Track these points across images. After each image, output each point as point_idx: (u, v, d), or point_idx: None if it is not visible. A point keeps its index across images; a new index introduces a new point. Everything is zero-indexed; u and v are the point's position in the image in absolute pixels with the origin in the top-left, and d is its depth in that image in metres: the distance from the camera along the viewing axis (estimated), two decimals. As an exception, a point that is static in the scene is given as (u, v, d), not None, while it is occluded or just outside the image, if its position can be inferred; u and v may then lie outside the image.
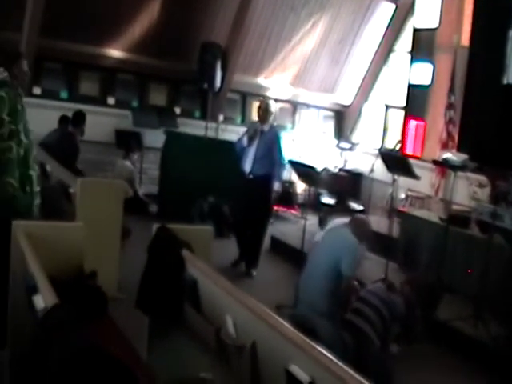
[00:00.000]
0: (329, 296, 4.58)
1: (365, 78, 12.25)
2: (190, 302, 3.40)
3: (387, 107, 11.82)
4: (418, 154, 10.12)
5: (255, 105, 11.49)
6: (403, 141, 10.37)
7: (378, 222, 8.71)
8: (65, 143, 8.07)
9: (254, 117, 11.29)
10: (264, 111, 7.26)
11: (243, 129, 11.10)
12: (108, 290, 3.54)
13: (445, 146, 9.16)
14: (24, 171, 4.70)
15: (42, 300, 2.62)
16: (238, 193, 7.30)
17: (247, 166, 7.11)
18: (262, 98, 7.69)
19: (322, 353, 2.25)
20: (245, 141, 7.10)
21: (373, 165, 8.93)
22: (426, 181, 8.43)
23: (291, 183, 10.98)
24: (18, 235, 3.34)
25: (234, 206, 7.56)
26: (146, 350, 3.90)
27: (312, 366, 2.24)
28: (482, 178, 7.40)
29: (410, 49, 10.76)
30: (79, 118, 8.37)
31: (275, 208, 10.52)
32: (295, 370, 2.32)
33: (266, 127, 7.21)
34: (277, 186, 7.60)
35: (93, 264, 3.62)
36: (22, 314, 3.11)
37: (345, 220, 5.18)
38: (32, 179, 4.76)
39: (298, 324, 2.70)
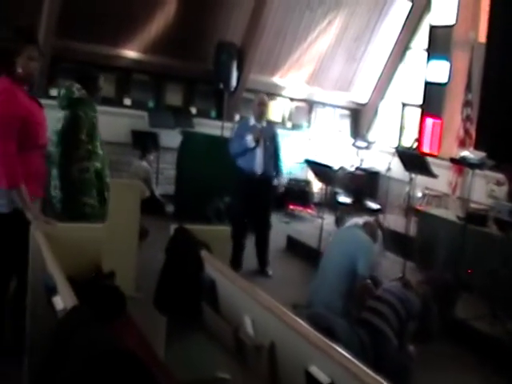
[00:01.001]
0: (344, 296, 4.57)
1: (381, 76, 12.20)
2: (208, 301, 3.40)
3: (404, 105, 11.77)
4: (435, 152, 10.07)
5: (271, 104, 11.55)
6: (420, 139, 10.33)
7: (395, 221, 8.69)
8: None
9: (271, 117, 11.37)
10: (265, 107, 7.17)
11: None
12: (126, 290, 3.56)
13: (462, 144, 9.10)
14: (101, 183, 4.95)
15: (62, 301, 2.63)
16: (240, 194, 7.12)
17: (257, 167, 6.98)
18: (260, 94, 7.51)
19: (341, 353, 2.24)
20: (249, 142, 6.89)
21: (389, 163, 8.88)
22: (443, 179, 8.38)
23: (307, 182, 10.97)
24: (37, 237, 3.35)
25: (236, 208, 7.29)
26: (164, 349, 3.91)
27: (332, 367, 2.23)
28: (500, 176, 7.34)
29: (426, 46, 10.70)
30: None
31: (291, 207, 10.55)
32: (315, 370, 2.31)
33: (264, 123, 7.13)
34: (280, 182, 7.56)
35: (111, 264, 3.64)
36: (42, 315, 3.13)
37: (360, 220, 5.16)
38: (108, 186, 4.99)
39: (315, 323, 2.69)
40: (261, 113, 7.08)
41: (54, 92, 9.52)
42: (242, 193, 7.06)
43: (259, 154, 6.97)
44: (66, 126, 4.89)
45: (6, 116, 3.72)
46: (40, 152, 4.03)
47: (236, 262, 6.85)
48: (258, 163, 6.98)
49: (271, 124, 7.32)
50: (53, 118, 8.20)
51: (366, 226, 4.86)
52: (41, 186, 4.06)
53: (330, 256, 4.87)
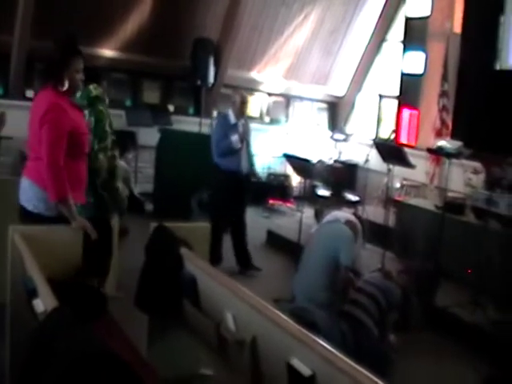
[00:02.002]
0: (327, 288, 4.60)
1: (357, 68, 12.25)
2: (189, 298, 3.41)
3: (381, 97, 11.83)
4: (413, 143, 10.14)
5: (249, 100, 11.53)
6: (397, 130, 10.38)
7: (374, 212, 8.73)
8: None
9: (249, 112, 11.35)
10: (246, 104, 7.16)
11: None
12: (107, 290, 3.56)
13: (439, 134, 9.16)
14: None
15: (42, 303, 2.63)
16: (225, 193, 7.02)
17: (243, 166, 6.98)
18: (241, 91, 7.46)
19: (322, 346, 2.26)
20: (236, 142, 6.85)
21: (367, 155, 8.91)
22: (420, 169, 8.44)
23: (286, 176, 11.00)
24: (16, 239, 3.34)
25: (218, 207, 7.16)
26: (146, 347, 3.92)
27: (313, 359, 2.26)
28: (477, 165, 7.41)
29: (402, 38, 10.76)
30: None
31: (271, 202, 10.57)
32: (296, 363, 2.33)
33: (243, 120, 7.10)
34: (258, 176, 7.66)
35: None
36: (22, 318, 3.12)
37: (341, 213, 5.20)
38: None
39: (297, 317, 2.72)
40: (242, 110, 7.06)
41: (30, 93, 9.47)
42: (226, 192, 6.99)
43: (243, 152, 6.97)
44: (94, 121, 5.12)
45: (56, 131, 3.78)
46: (84, 159, 4.12)
47: (217, 258, 6.84)
48: (243, 162, 6.99)
49: (247, 119, 7.31)
50: (27, 118, 8.21)
51: (347, 223, 4.90)
52: (84, 193, 4.14)
53: (312, 250, 4.90)
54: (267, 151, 11.00)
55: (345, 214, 5.19)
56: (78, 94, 5.02)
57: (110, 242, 4.65)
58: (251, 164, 7.20)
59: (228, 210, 7.08)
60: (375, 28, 11.79)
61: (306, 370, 2.28)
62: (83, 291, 3.35)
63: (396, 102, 10.92)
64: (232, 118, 7.01)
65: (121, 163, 9.29)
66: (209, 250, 6.52)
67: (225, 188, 6.98)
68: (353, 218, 5.00)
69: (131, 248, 4.68)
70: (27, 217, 3.88)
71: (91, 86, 5.10)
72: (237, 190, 6.98)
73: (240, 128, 6.99)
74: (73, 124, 3.90)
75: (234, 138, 6.85)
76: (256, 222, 8.87)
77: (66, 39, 4.10)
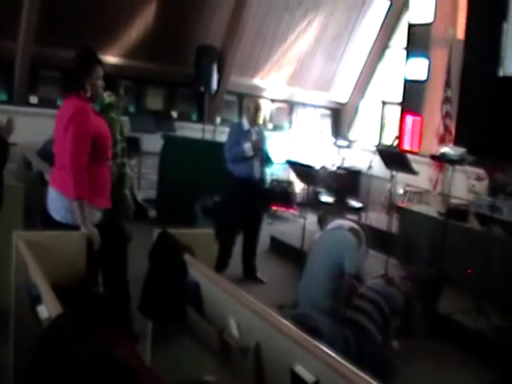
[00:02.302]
0: (331, 295, 4.60)
1: (361, 75, 12.26)
2: (193, 305, 3.42)
3: (384, 103, 11.83)
4: (416, 149, 10.14)
5: (262, 107, 11.55)
6: (400, 136, 10.39)
7: (377, 219, 8.73)
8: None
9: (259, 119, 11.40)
10: (260, 112, 7.13)
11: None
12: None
13: (442, 140, 9.17)
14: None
15: (46, 310, 2.63)
16: (237, 200, 6.97)
17: (255, 173, 6.94)
18: (255, 99, 7.49)
19: (326, 352, 2.27)
20: (248, 150, 6.81)
21: (371, 162, 8.93)
22: (424, 175, 8.44)
23: (289, 183, 10.99)
24: (20, 245, 3.35)
25: (230, 214, 7.09)
26: (150, 353, 3.92)
27: (317, 366, 2.26)
28: (480, 171, 7.41)
29: (405, 44, 10.77)
30: None
31: (274, 208, 10.57)
32: (300, 369, 2.33)
33: (257, 128, 7.10)
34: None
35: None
36: (26, 325, 3.13)
37: (345, 221, 5.21)
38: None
39: (300, 323, 2.72)
40: (256, 118, 7.06)
41: (33, 99, 9.51)
42: (238, 199, 6.95)
43: (255, 160, 6.93)
44: None
45: (80, 135, 3.91)
46: (107, 163, 4.22)
47: (222, 266, 6.79)
48: (256, 170, 6.94)
49: (261, 127, 7.30)
50: (36, 124, 8.25)
51: (351, 230, 4.91)
52: (108, 197, 4.23)
53: (316, 257, 4.89)
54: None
55: (348, 221, 5.20)
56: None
57: (123, 249, 4.64)
58: (263, 171, 7.15)
59: (240, 217, 7.05)
60: (378, 34, 11.80)
61: (309, 377, 2.28)
62: (87, 297, 3.36)
63: (399, 108, 10.92)
64: (246, 125, 7.01)
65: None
66: (216, 255, 6.59)
67: (237, 195, 6.94)
68: (356, 225, 5.01)
69: (134, 254, 4.68)
70: (55, 226, 3.95)
71: (105, 94, 5.10)
72: (250, 196, 6.92)
73: (253, 135, 6.96)
74: (96, 128, 4.04)
75: (247, 145, 6.81)
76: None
77: (86, 49, 4.28)
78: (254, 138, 6.96)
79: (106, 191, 4.18)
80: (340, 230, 4.91)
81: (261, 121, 7.21)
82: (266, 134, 7.52)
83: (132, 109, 10.46)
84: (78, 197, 3.84)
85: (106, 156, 4.18)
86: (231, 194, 7.07)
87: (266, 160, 7.10)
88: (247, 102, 7.38)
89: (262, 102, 7.37)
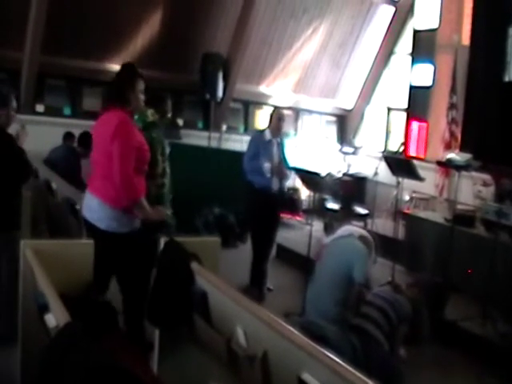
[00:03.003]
0: (339, 303, 4.60)
1: (366, 81, 12.29)
2: (200, 313, 3.41)
3: (389, 110, 11.85)
4: (422, 156, 10.14)
5: (258, 113, 11.58)
6: (406, 143, 10.40)
7: (384, 225, 8.72)
8: (70, 159, 8.10)
9: (258, 125, 11.41)
10: (283, 122, 6.93)
11: (246, 137, 11.19)
12: (117, 305, 3.57)
13: (448, 146, 9.18)
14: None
15: (54, 318, 2.64)
16: (257, 210, 6.84)
17: (274, 184, 6.78)
18: (278, 109, 7.18)
19: (333, 360, 2.26)
20: (267, 171, 6.63)
21: (376, 168, 8.94)
22: (430, 182, 8.44)
23: (295, 190, 10.99)
24: (27, 254, 3.36)
25: (256, 225, 6.99)
26: (157, 361, 3.92)
27: (324, 373, 2.26)
28: (487, 177, 7.40)
29: (410, 50, 10.79)
30: (87, 139, 8.25)
31: (280, 215, 10.55)
32: (307, 377, 2.33)
33: (279, 139, 6.92)
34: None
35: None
36: (34, 333, 3.14)
37: (354, 228, 5.20)
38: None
39: (307, 331, 2.72)
40: (279, 129, 6.87)
41: (40, 108, 9.54)
42: (259, 209, 6.82)
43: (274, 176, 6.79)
44: None
45: (127, 146, 4.09)
46: (144, 176, 4.37)
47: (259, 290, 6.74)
48: (274, 181, 6.78)
49: (283, 138, 7.12)
50: (43, 132, 8.28)
51: (361, 238, 4.90)
52: None
53: (325, 264, 4.88)
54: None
55: (358, 228, 5.19)
56: (136, 117, 5.16)
57: (152, 262, 4.67)
58: (282, 185, 6.99)
59: (262, 228, 6.92)
60: (383, 41, 11.83)
61: (317, 385, 2.28)
62: (94, 306, 3.36)
63: (405, 114, 10.93)
64: (267, 135, 6.84)
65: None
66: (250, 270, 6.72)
67: (258, 206, 6.81)
68: (366, 233, 5.00)
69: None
70: (101, 235, 4.09)
71: (149, 112, 5.19)
72: (268, 206, 6.78)
73: (274, 146, 6.82)
74: (139, 140, 4.24)
75: (266, 166, 6.64)
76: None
77: (129, 63, 4.51)
78: (274, 149, 6.80)
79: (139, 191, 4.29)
80: (350, 238, 4.89)
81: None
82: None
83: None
84: (132, 201, 4.11)
85: (144, 169, 4.33)
86: (253, 205, 6.93)
87: (286, 173, 6.91)
88: (270, 112, 7.15)
89: (285, 112, 7.14)
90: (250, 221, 7.09)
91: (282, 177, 6.87)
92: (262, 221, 6.84)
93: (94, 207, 4.20)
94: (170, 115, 5.69)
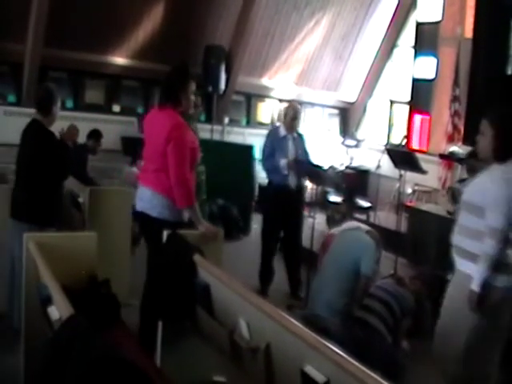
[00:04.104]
0: (346, 295, 4.62)
1: (369, 74, 12.25)
2: (203, 305, 3.42)
3: (392, 102, 11.82)
4: (424, 148, 10.13)
5: (260, 106, 11.56)
6: (409, 135, 10.38)
7: (386, 218, 8.72)
8: (78, 154, 8.06)
9: (260, 118, 11.41)
10: (298, 118, 6.69)
11: (249, 130, 11.21)
12: (120, 297, 3.57)
13: (451, 139, 9.16)
14: None
15: (57, 311, 2.64)
16: (274, 208, 6.64)
17: (291, 181, 6.51)
18: (293, 104, 6.93)
19: (336, 352, 2.26)
20: (283, 167, 6.40)
21: (379, 161, 8.91)
22: (432, 174, 8.42)
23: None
24: (30, 247, 3.36)
25: (269, 223, 6.77)
26: (160, 354, 3.93)
27: (327, 366, 2.26)
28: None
29: (413, 43, 10.76)
30: (96, 136, 8.21)
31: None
32: (310, 370, 2.33)
33: (295, 134, 6.67)
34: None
35: (105, 271, 3.65)
36: (37, 326, 3.14)
37: (361, 224, 5.23)
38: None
39: (310, 323, 2.72)
40: (293, 124, 6.62)
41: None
42: (275, 207, 6.62)
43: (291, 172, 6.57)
44: None
45: (182, 148, 4.29)
46: (194, 171, 4.57)
47: (265, 287, 6.62)
48: (291, 178, 6.53)
49: (301, 134, 6.85)
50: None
51: (368, 232, 4.93)
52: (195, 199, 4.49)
53: (333, 255, 4.90)
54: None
55: (364, 225, 5.24)
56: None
57: None
58: (300, 181, 6.72)
59: (280, 227, 6.76)
60: (386, 33, 11.79)
61: (320, 377, 2.28)
62: (97, 299, 3.37)
63: (407, 107, 10.91)
64: (282, 132, 6.63)
65: (133, 170, 9.36)
66: (259, 269, 6.59)
67: (275, 203, 6.63)
68: (371, 229, 5.04)
69: (144, 255, 4.68)
70: (152, 222, 4.33)
71: None
72: (287, 204, 6.56)
73: (290, 142, 6.58)
74: (192, 140, 4.44)
75: (282, 162, 6.42)
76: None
77: (182, 65, 4.66)
78: (290, 144, 6.58)
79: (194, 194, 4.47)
80: (358, 231, 4.92)
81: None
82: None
83: (140, 110, 10.49)
84: (187, 205, 4.28)
85: (195, 166, 4.58)
86: (270, 202, 6.80)
87: (306, 168, 6.67)
88: (285, 107, 6.95)
89: (299, 107, 6.86)
90: (270, 221, 6.79)
91: (300, 174, 6.61)
92: (286, 221, 6.68)
93: (146, 197, 4.39)
94: (201, 108, 5.89)
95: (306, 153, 6.78)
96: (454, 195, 7.19)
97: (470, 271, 3.63)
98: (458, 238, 3.90)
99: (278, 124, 6.96)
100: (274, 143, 6.62)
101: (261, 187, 8.09)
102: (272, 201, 6.71)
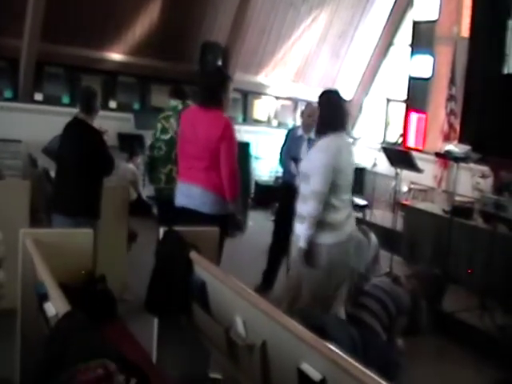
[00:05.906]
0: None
1: (365, 72, 12.26)
2: (199, 302, 3.42)
3: (388, 101, 11.82)
4: (420, 147, 10.14)
5: (256, 103, 11.56)
6: (405, 134, 10.40)
7: (382, 216, 8.73)
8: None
9: (256, 115, 11.41)
10: (313, 117, 6.17)
11: (245, 127, 11.19)
12: (116, 293, 3.57)
13: (447, 138, 9.18)
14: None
15: (54, 307, 2.64)
16: (284, 205, 6.53)
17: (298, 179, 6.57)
18: (310, 104, 6.77)
19: (332, 350, 2.27)
20: (293, 170, 5.95)
21: (375, 159, 8.94)
22: (428, 173, 8.44)
23: (295, 180, 10.96)
24: (27, 243, 3.36)
25: (279, 220, 6.77)
26: (156, 350, 3.93)
27: (323, 364, 2.27)
28: (485, 169, 7.40)
29: (409, 41, 10.76)
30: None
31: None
32: (306, 367, 2.34)
33: (312, 135, 6.29)
34: None
35: (101, 267, 3.66)
36: (33, 323, 3.14)
37: None
38: None
39: (306, 321, 2.72)
40: (310, 124, 6.41)
41: (39, 96, 9.52)
42: (285, 204, 6.34)
43: None
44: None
45: (235, 144, 4.73)
46: None
47: (269, 281, 6.59)
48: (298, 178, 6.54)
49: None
50: (41, 121, 8.29)
51: (360, 229, 4.95)
52: None
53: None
54: (274, 155, 11.00)
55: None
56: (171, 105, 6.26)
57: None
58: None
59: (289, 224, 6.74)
60: (383, 31, 11.80)
61: (316, 375, 2.28)
62: (93, 295, 3.37)
63: (404, 105, 10.91)
64: (299, 131, 6.62)
65: (129, 166, 9.39)
66: (263, 271, 6.60)
67: (285, 201, 6.41)
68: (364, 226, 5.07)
69: (140, 251, 4.70)
70: (203, 217, 4.62)
71: (177, 102, 6.12)
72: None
73: (304, 142, 6.49)
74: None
75: (292, 166, 6.13)
76: (263, 225, 8.88)
77: (220, 68, 5.11)
78: (304, 145, 6.44)
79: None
80: None
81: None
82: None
83: (137, 106, 10.49)
84: (237, 196, 4.73)
85: None
86: (281, 199, 6.84)
87: None
88: (303, 108, 6.97)
89: (315, 106, 6.85)
90: (280, 222, 6.73)
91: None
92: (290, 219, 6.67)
93: (195, 195, 4.71)
94: (189, 102, 6.14)
95: None
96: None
97: (298, 232, 4.32)
98: (297, 206, 4.43)
99: (298, 124, 6.92)
100: (290, 143, 6.65)
101: (258, 184, 8.01)
102: (283, 201, 6.70)
